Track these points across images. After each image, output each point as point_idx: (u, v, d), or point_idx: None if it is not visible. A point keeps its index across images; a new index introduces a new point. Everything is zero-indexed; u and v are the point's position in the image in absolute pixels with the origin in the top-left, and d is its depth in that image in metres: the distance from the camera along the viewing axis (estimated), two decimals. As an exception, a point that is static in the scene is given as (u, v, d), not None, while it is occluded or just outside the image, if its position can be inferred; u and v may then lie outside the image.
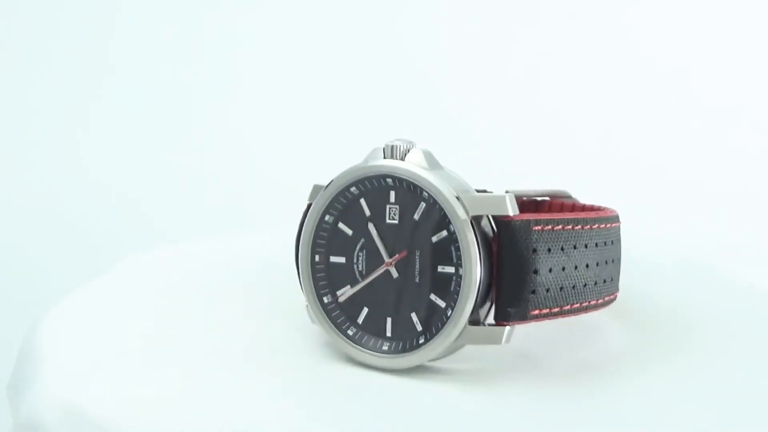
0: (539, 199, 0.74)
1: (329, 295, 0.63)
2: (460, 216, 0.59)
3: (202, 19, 1.21)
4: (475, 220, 0.60)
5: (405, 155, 0.61)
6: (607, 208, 0.69)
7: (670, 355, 0.67)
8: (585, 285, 0.62)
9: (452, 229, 0.59)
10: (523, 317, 0.60)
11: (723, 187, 1.17)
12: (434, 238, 0.60)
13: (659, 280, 0.77)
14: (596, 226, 0.63)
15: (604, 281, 0.64)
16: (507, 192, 0.75)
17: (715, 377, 0.64)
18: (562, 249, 0.61)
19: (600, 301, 0.64)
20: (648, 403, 0.60)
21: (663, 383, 0.63)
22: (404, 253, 0.61)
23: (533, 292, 0.60)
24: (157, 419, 0.55)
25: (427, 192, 0.60)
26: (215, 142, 1.17)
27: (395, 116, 1.17)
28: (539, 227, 0.60)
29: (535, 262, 0.60)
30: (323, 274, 0.63)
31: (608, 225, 0.65)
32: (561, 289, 0.61)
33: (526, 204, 0.74)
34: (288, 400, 0.57)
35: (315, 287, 0.63)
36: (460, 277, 0.59)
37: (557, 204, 0.73)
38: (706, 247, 0.92)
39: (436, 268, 0.60)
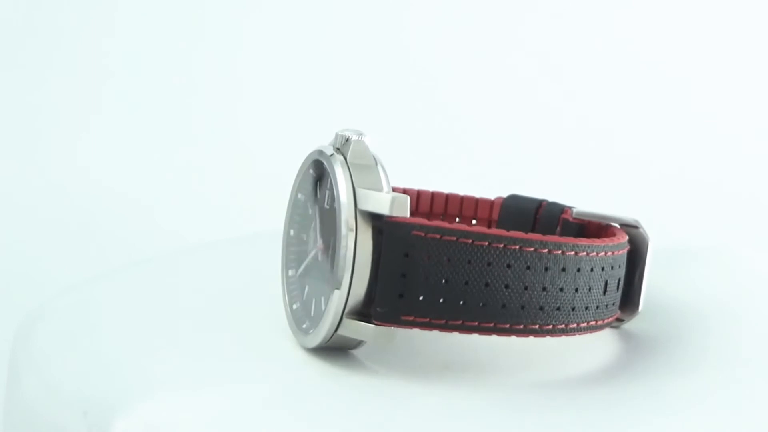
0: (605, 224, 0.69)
1: (293, 269, 0.66)
2: (343, 206, 0.60)
3: (202, 18, 1.20)
4: (369, 217, 0.60)
5: (343, 144, 0.63)
6: (611, 238, 0.64)
7: (664, 359, 0.65)
8: (484, 305, 0.59)
9: None
10: (394, 320, 0.59)
11: (724, 186, 1.07)
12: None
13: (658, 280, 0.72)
14: (526, 248, 0.60)
15: (541, 308, 0.60)
16: (560, 201, 0.71)
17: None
18: (448, 260, 0.59)
19: (527, 326, 0.60)
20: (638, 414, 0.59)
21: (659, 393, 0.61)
22: (321, 245, 0.63)
23: (401, 296, 0.59)
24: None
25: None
26: (216, 140, 1.16)
27: (397, 116, 1.09)
28: (420, 233, 0.59)
29: (404, 266, 0.59)
30: (294, 248, 0.67)
31: (575, 252, 0.61)
32: (443, 301, 0.59)
33: (597, 227, 0.69)
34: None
35: (285, 260, 0.67)
36: None
37: (611, 230, 0.68)
38: (705, 246, 0.80)
39: None
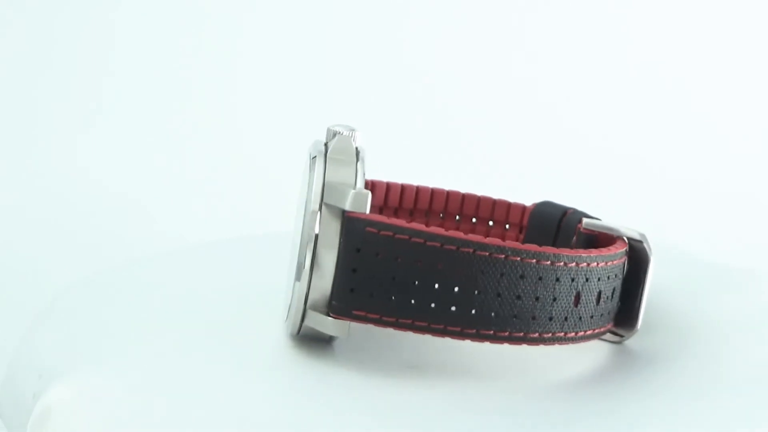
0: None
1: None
2: (308, 201, 0.62)
3: (202, 18, 1.17)
4: (338, 212, 0.61)
5: (331, 139, 0.64)
6: (589, 249, 0.63)
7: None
8: (435, 306, 0.60)
9: None
10: (347, 314, 0.61)
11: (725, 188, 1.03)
12: None
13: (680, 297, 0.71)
14: (480, 252, 0.59)
15: (495, 314, 0.60)
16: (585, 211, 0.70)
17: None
18: (399, 259, 0.59)
19: (480, 331, 0.60)
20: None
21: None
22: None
23: (352, 290, 0.60)
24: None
25: None
26: (216, 140, 1.14)
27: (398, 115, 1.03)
28: (374, 230, 0.60)
29: (356, 261, 0.60)
30: (298, 240, 0.69)
31: (537, 261, 0.60)
32: (394, 298, 0.60)
33: (606, 239, 0.67)
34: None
35: (293, 250, 0.69)
36: None
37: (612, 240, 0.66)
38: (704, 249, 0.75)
39: None
